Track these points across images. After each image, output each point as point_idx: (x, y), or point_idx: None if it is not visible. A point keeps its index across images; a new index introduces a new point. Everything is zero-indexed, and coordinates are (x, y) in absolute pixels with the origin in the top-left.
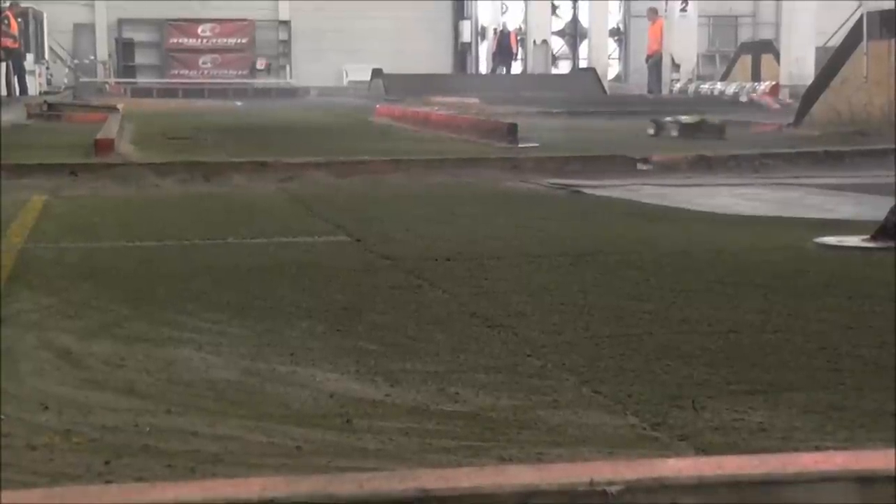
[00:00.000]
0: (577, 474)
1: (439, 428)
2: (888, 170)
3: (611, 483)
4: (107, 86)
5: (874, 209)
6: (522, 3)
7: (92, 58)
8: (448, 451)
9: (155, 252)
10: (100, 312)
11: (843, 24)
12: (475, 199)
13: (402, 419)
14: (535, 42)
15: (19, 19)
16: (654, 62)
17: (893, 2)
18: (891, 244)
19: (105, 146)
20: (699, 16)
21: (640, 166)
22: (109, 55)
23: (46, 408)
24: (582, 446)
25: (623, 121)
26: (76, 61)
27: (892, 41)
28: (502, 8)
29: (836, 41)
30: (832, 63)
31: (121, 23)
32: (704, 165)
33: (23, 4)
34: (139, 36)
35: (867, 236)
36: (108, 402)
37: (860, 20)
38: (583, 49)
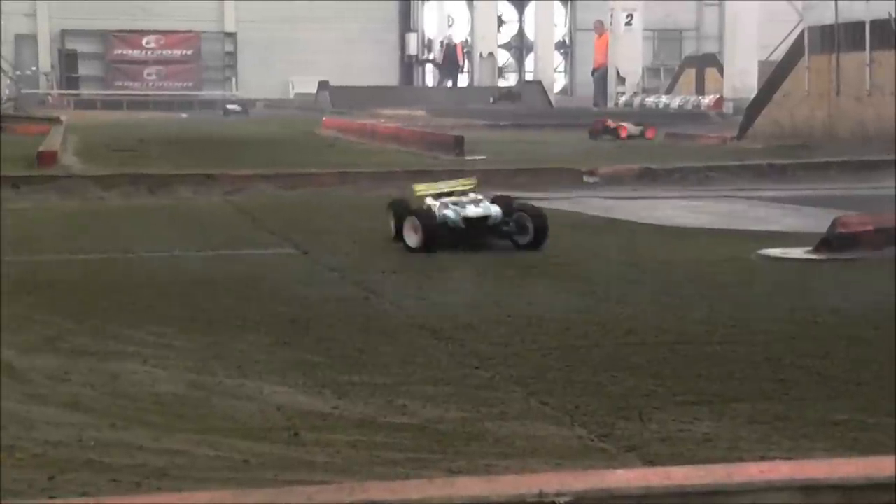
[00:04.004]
0: (525, 486)
1: (387, 440)
2: (830, 182)
3: (559, 494)
4: (49, 97)
5: (817, 221)
6: (468, 16)
7: (34, 69)
8: (396, 463)
9: (99, 265)
10: (43, 326)
11: (785, 38)
12: None
13: (350, 432)
14: (481, 55)
15: None
16: (600, 75)
17: (834, 16)
18: (833, 256)
19: (48, 158)
20: (644, 29)
21: (586, 179)
22: (52, 66)
23: None
24: (530, 458)
25: (569, 133)
26: (18, 72)
27: (833, 56)
28: (448, 21)
29: (779, 55)
30: (775, 77)
31: (64, 34)
32: (650, 178)
33: None
34: (82, 47)
35: (810, 248)
36: (52, 417)
37: (801, 35)
38: (529, 62)
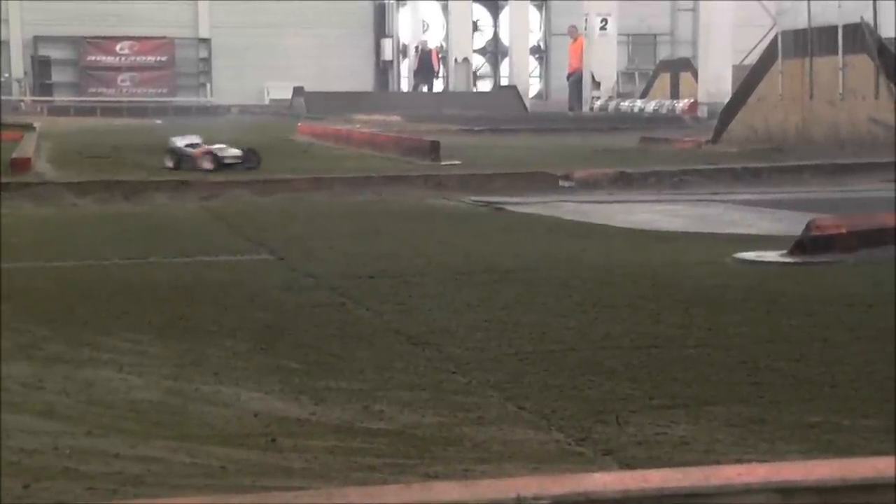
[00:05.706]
0: (503, 490)
1: (364, 446)
2: (804, 185)
3: (537, 498)
4: (22, 104)
5: (791, 224)
6: (443, 21)
7: (6, 75)
8: (374, 468)
9: (74, 272)
10: (18, 334)
11: (759, 42)
12: (398, 216)
13: (327, 438)
14: (456, 60)
15: None
16: (575, 80)
17: (807, 20)
18: (807, 259)
19: (21, 165)
20: (618, 34)
21: (562, 183)
22: (25, 73)
23: None
24: (507, 462)
25: (545, 138)
26: None
27: (806, 60)
28: (423, 26)
29: (753, 59)
30: (748, 81)
31: (36, 40)
32: (625, 182)
33: None
34: (56, 53)
35: (784, 251)
36: (27, 425)
37: (775, 39)
38: (504, 67)
